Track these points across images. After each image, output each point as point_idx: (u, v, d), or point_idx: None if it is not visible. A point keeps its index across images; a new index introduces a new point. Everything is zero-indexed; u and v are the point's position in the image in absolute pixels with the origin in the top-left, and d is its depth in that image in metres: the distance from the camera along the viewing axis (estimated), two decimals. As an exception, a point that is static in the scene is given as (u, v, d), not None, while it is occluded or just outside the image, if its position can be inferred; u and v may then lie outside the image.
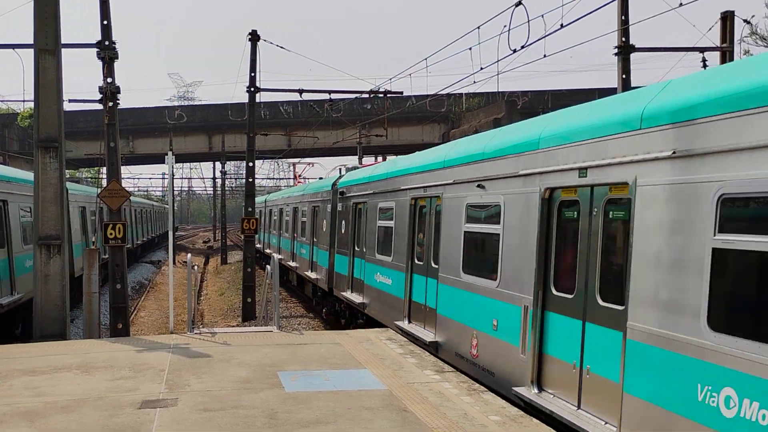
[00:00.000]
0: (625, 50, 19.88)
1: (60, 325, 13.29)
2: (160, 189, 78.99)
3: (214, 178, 66.62)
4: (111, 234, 18.45)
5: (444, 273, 11.31)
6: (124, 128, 51.76)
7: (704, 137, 5.82)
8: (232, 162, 79.61)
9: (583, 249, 7.60)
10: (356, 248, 17.46)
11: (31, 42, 13.46)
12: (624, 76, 20.23)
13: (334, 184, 20.81)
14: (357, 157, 44.18)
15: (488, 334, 9.59)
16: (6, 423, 7.53)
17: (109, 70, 19.14)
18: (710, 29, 22.44)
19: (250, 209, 25.18)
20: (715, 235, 5.66)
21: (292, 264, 28.54)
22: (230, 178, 77.29)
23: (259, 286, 30.97)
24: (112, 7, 18.62)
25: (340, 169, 24.72)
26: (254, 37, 24.48)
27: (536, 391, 8.31)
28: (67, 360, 10.63)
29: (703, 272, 5.73)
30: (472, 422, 7.67)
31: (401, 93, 26.90)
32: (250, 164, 25.53)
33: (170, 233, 13.52)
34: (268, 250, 36.85)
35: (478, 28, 13.52)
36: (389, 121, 50.05)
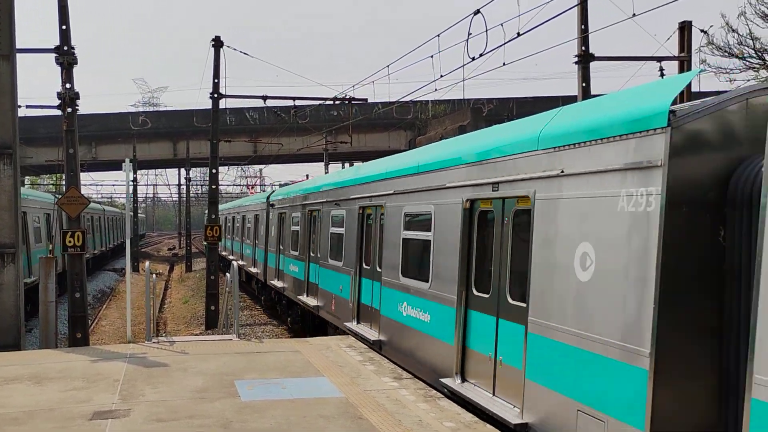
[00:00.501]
0: (584, 59, 20.17)
1: (14, 334, 13.06)
2: (125, 196, 77.98)
3: (179, 185, 65.96)
4: (70, 242, 18.19)
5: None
6: (86, 134, 51.08)
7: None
8: (198, 168, 78.92)
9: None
10: (311, 253, 18.35)
11: (-15, 47, 13.24)
12: (584, 84, 20.52)
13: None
14: (323, 163, 44.20)
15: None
16: (-49, 436, 7.38)
17: (68, 76, 18.86)
18: (668, 39, 22.86)
19: (213, 216, 24.99)
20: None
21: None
22: (195, 185, 76.57)
23: (223, 293, 30.81)
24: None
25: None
26: (217, 43, 24.34)
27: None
28: (19, 371, 10.43)
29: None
30: (426, 429, 7.70)
31: (365, 100, 26.95)
32: (214, 171, 25.35)
33: (127, 241, 13.37)
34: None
35: (438, 36, 13.62)
36: (355, 127, 50.22)
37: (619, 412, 6.07)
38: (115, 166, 54.21)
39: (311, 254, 18.52)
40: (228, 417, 8.01)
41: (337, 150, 49.35)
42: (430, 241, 10.26)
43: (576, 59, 20.15)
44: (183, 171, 56.27)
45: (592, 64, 20.55)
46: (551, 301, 7.12)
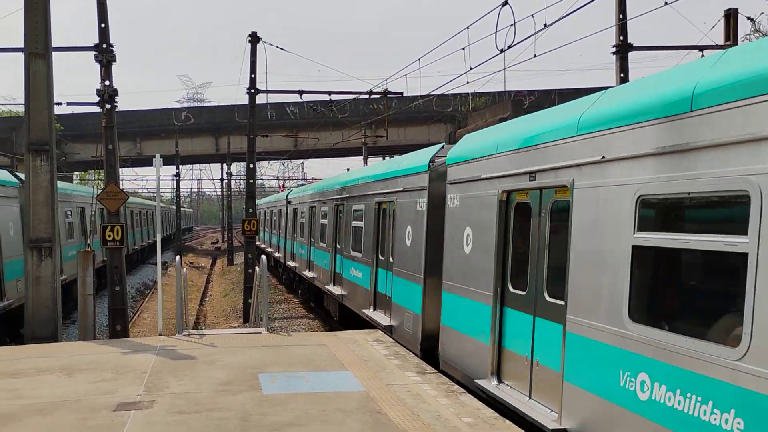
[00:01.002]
0: (623, 49, 19.77)
1: (51, 327, 13.37)
2: (170, 190, 79.38)
3: (222, 180, 66.80)
4: (109, 236, 18.58)
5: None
6: (131, 130, 52.01)
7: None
8: (241, 163, 79.64)
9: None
10: (337, 245, 19.51)
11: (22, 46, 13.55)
12: (622, 75, 20.12)
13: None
14: (362, 157, 44.26)
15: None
16: (-22, 425, 7.59)
17: (106, 73, 19.25)
18: (713, 27, 22.27)
19: (251, 210, 25.29)
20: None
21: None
22: (237, 179, 77.46)
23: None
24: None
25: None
26: (254, 38, 24.54)
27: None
28: (52, 362, 10.69)
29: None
30: (444, 424, 7.64)
31: (401, 93, 26.82)
32: (251, 166, 25.64)
33: (158, 235, 13.57)
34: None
35: (467, 28, 13.48)
36: (393, 121, 50.08)
37: None
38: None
39: (337, 246, 19.32)
40: (248, 410, 8.07)
41: (376, 144, 49.39)
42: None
43: (614, 49, 19.76)
44: (225, 166, 57.00)
45: (635, 55, 20.19)
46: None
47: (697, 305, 5.76)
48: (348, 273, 17.54)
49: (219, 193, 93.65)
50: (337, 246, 19.11)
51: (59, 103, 27.95)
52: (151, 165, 13.98)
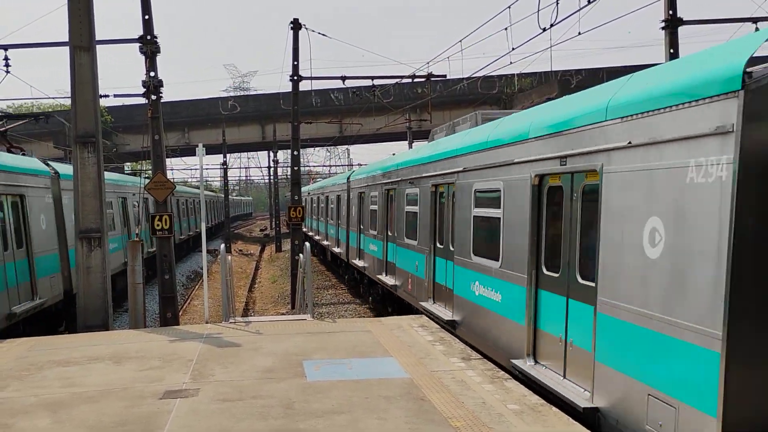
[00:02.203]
0: (672, 23, 19.15)
1: (103, 315, 13.61)
2: (218, 179, 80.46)
3: (269, 167, 67.39)
4: (158, 225, 18.88)
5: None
6: (179, 120, 52.77)
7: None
8: (288, 150, 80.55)
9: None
10: (389, 233, 18.56)
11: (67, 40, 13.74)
12: (672, 51, 19.50)
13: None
14: (407, 142, 44.07)
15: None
16: (29, 414, 7.74)
17: (151, 64, 19.46)
18: (768, -1, 21.36)
19: (296, 197, 25.44)
20: None
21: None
22: (283, 167, 78.27)
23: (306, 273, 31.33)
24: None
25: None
26: (296, 25, 24.55)
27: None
28: (102, 351, 10.87)
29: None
30: (489, 411, 7.52)
31: (444, 76, 26.55)
32: (295, 153, 25.74)
33: (202, 225, 13.67)
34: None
35: (509, 8, 13.18)
36: (438, 104, 49.80)
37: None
38: (208, 150, 55.94)
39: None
40: (291, 397, 8.07)
41: (421, 128, 49.10)
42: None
43: (663, 24, 19.16)
44: (272, 153, 57.45)
45: (684, 30, 19.53)
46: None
47: None
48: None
49: (267, 181, 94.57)
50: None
51: (106, 95, 28.32)
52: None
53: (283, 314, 23.36)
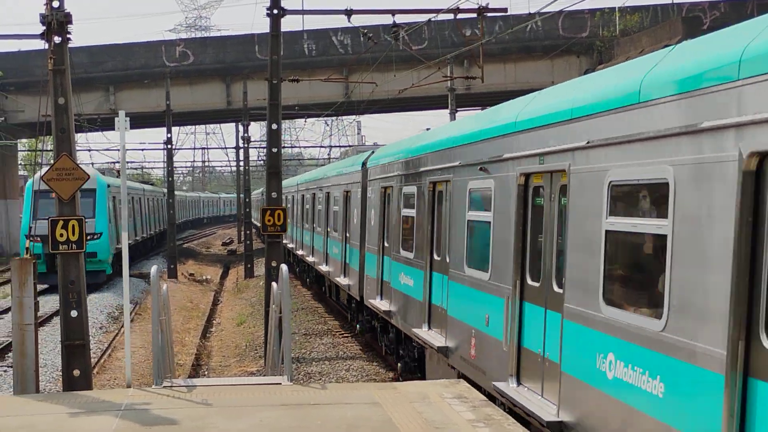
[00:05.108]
0: None
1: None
2: (161, 164, 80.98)
3: (237, 148, 67.75)
4: (62, 235, 18.76)
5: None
6: (102, 76, 53.26)
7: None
8: (263, 122, 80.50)
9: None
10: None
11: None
12: None
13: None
14: (447, 110, 43.95)
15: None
16: None
17: (54, -9, 19.54)
18: None
19: (274, 194, 24.85)
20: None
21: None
22: (258, 149, 78.61)
23: (295, 309, 31.28)
24: None
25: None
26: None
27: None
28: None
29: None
30: None
31: (505, 10, 26.36)
32: (274, 126, 25.41)
33: (124, 237, 13.68)
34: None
35: None
36: (499, 54, 49.84)
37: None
38: (143, 121, 56.17)
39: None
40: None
41: (470, 90, 49.02)
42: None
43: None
44: (241, 127, 57.63)
45: None
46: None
47: None
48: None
49: (233, 167, 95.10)
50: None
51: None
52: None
53: (252, 374, 23.36)
